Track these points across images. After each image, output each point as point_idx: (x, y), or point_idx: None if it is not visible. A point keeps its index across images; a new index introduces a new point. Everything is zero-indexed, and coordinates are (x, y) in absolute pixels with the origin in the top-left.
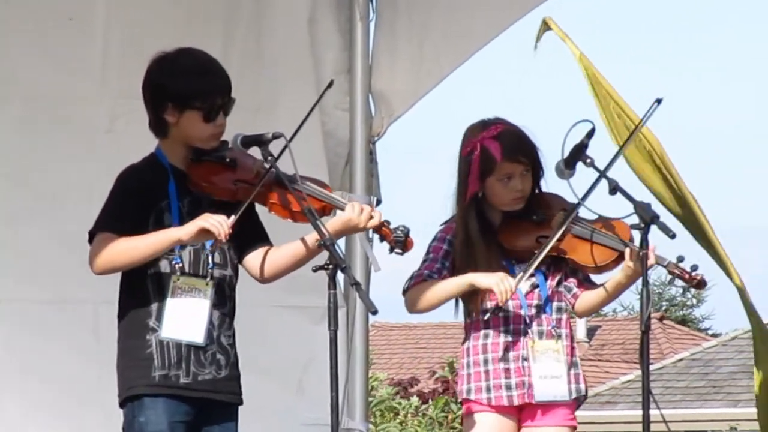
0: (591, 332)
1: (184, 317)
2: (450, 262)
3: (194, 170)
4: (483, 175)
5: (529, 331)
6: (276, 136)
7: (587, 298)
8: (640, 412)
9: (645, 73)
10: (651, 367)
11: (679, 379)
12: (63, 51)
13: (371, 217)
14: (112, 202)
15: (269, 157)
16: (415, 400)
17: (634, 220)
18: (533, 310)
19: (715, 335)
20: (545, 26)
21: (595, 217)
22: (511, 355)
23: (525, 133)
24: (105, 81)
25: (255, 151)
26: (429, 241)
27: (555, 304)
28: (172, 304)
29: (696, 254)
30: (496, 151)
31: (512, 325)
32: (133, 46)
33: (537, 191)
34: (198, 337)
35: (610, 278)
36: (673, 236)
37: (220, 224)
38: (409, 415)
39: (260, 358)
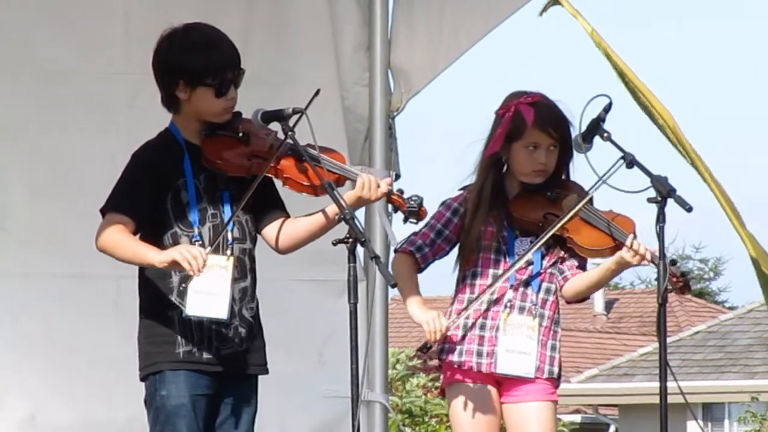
0: (609, 305)
1: (207, 294)
2: (451, 230)
3: (208, 146)
4: (510, 138)
5: (510, 304)
6: (296, 111)
7: (575, 281)
8: (657, 384)
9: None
10: (668, 340)
11: (695, 352)
12: (85, 27)
13: (379, 186)
14: (125, 181)
15: (289, 132)
16: (423, 376)
17: (651, 193)
18: (520, 285)
19: (731, 308)
20: (554, 1)
21: (606, 209)
22: (489, 323)
23: (562, 109)
24: (127, 56)
25: (274, 126)
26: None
27: (545, 284)
28: (193, 281)
29: (715, 225)
30: (528, 116)
31: (497, 295)
32: (154, 21)
33: (563, 176)
34: (222, 313)
35: (600, 264)
36: (689, 209)
37: (195, 259)
38: (422, 389)
39: (281, 331)
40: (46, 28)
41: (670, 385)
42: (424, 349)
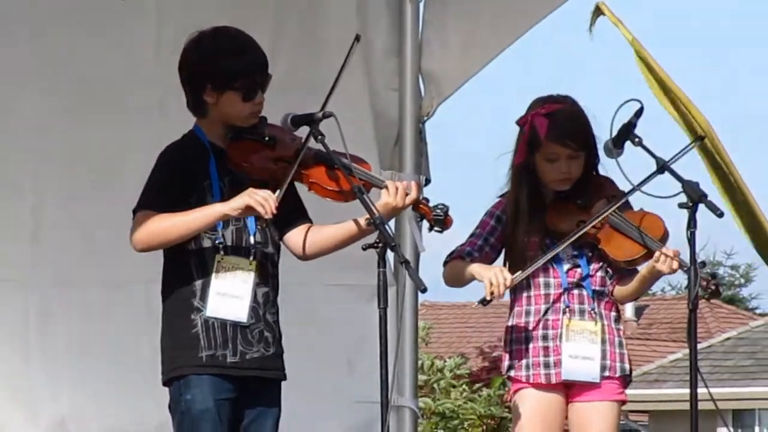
0: (639, 311)
1: (229, 297)
2: (496, 238)
3: (233, 149)
4: (531, 148)
5: (569, 309)
6: (326, 115)
7: (618, 290)
8: (687, 391)
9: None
10: (699, 346)
11: (726, 358)
12: (117, 33)
13: (407, 194)
14: (153, 180)
15: (319, 136)
16: (464, 386)
17: (682, 198)
18: (573, 289)
19: (762, 315)
20: (598, 11)
21: (637, 209)
22: (551, 333)
23: (582, 116)
24: (158, 61)
25: (304, 130)
26: (478, 217)
27: (596, 287)
28: (215, 284)
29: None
30: (541, 130)
31: (552, 303)
32: (186, 27)
33: (593, 173)
34: (242, 316)
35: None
36: (720, 215)
37: (266, 201)
38: (460, 395)
39: (310, 336)
40: (79, 32)
41: (701, 391)
42: (484, 302)
